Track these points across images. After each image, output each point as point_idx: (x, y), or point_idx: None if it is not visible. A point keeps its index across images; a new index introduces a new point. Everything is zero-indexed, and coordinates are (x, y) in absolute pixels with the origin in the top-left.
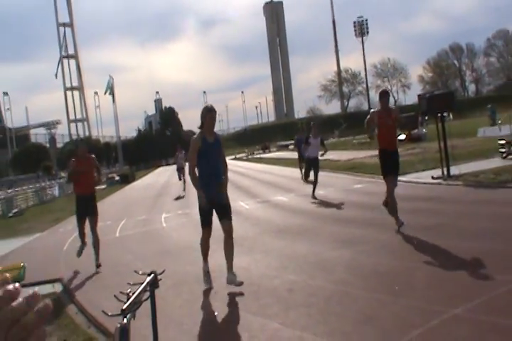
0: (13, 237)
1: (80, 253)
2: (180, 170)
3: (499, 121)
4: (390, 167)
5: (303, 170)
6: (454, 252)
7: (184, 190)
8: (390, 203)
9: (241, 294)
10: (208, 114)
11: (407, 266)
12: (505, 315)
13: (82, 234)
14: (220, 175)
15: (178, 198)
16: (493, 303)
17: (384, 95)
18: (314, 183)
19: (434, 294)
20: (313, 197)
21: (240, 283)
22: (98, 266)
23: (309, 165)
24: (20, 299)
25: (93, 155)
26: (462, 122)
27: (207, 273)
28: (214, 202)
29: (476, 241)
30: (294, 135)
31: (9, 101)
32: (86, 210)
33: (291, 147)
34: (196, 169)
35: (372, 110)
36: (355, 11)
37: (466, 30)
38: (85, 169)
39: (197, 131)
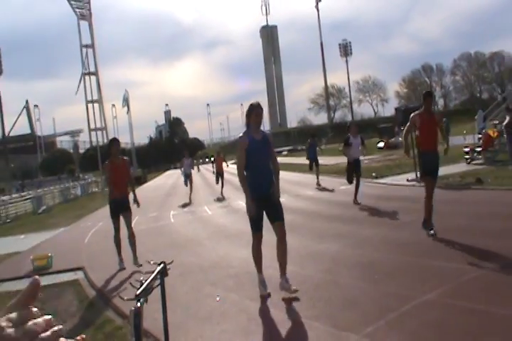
0: (42, 231)
1: (121, 267)
2: (188, 177)
3: (464, 131)
4: (431, 168)
5: (319, 177)
6: (427, 244)
7: (190, 201)
8: (426, 205)
9: (241, 283)
10: (254, 110)
11: (386, 257)
12: (471, 300)
13: (117, 239)
14: (271, 173)
15: (184, 205)
16: (461, 289)
17: (429, 95)
18: (357, 186)
19: (409, 281)
20: (356, 201)
21: (295, 291)
22: (138, 265)
23: (352, 166)
24: (39, 319)
25: (126, 158)
26: None
27: (263, 283)
28: (265, 203)
29: (447, 235)
30: (307, 140)
31: (39, 113)
32: (120, 209)
33: (285, 153)
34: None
35: (413, 114)
36: (340, 34)
37: (435, 52)
38: (119, 174)
39: (202, 138)
